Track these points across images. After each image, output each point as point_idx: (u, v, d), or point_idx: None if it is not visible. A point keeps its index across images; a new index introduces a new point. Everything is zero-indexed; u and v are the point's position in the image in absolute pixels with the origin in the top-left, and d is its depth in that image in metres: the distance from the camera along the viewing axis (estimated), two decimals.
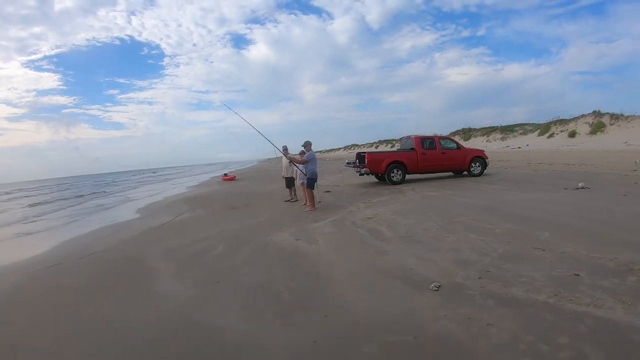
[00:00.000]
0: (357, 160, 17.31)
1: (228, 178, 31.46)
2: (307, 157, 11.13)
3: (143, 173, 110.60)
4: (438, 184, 15.19)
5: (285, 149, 12.90)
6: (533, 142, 42.36)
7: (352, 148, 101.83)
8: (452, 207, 9.40)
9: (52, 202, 27.46)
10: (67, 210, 20.09)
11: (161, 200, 20.19)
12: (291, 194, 13.60)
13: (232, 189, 21.74)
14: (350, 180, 19.85)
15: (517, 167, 20.14)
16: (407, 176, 16.38)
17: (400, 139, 19.40)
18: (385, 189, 14.55)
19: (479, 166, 17.26)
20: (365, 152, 17.00)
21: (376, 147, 77.01)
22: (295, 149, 12.44)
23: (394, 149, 47.88)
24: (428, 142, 16.92)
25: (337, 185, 17.41)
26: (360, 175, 17.13)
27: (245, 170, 52.96)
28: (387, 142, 76.90)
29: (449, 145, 17.34)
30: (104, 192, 34.56)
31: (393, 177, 15.99)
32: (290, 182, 13.40)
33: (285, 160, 13.21)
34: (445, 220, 7.94)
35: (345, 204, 11.62)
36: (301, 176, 11.93)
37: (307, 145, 11.36)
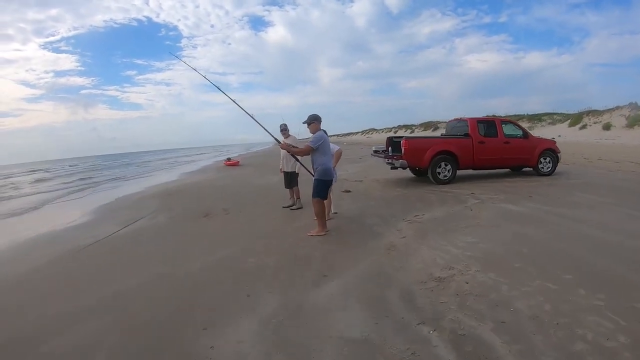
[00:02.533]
0: (390, 148, 12.54)
1: (231, 163, 27.55)
2: (313, 143, 6.41)
3: (154, 154, 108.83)
4: (500, 186, 10.76)
5: (284, 130, 8.53)
6: (564, 132, 38.67)
7: (370, 132, 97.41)
8: (587, 250, 5.00)
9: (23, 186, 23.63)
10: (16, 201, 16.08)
11: (137, 191, 16.04)
12: (292, 196, 9.22)
13: (225, 179, 17.41)
14: (375, 172, 15.27)
15: (576, 163, 15.63)
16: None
17: (449, 122, 14.57)
18: (431, 192, 10.13)
19: (549, 162, 12.67)
20: (400, 137, 12.37)
21: (395, 132, 72.15)
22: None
23: (434, 133, 42.75)
24: (487, 127, 12.35)
25: (360, 181, 12.93)
26: (393, 168, 12.53)
27: (254, 154, 48.36)
28: (406, 127, 71.93)
29: (513, 132, 12.69)
30: (90, 177, 30.79)
31: (440, 173, 11.51)
32: (291, 179, 8.98)
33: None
34: (613, 299, 3.57)
35: (377, 222, 7.21)
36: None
37: (314, 121, 6.64)
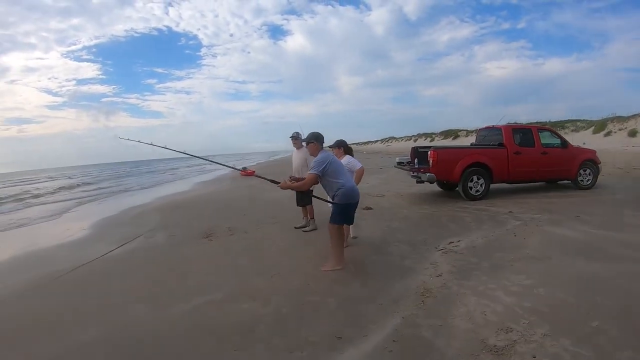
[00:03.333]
0: (416, 160, 11.25)
1: (246, 173, 26.40)
2: (316, 168, 5.12)
3: (170, 162, 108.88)
4: (538, 202, 9.49)
5: (295, 138, 7.47)
6: (588, 140, 36.40)
7: (389, 141, 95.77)
8: None
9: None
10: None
11: (145, 203, 15.17)
12: (305, 215, 8.03)
13: (236, 191, 16.29)
14: (398, 185, 14.06)
15: (611, 174, 14.26)
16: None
17: (480, 130, 13.21)
18: (463, 210, 8.92)
19: (589, 174, 11.37)
20: (427, 147, 11.15)
21: (415, 141, 70.42)
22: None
23: (461, 143, 41.14)
24: (523, 136, 11.07)
25: (382, 196, 11.69)
26: (419, 182, 11.22)
27: (271, 163, 47.25)
28: (426, 135, 70.21)
29: (551, 141, 11.37)
30: (99, 187, 30.16)
31: (471, 188, 10.26)
32: (304, 196, 7.69)
33: (297, 159, 7.76)
34: None
35: (405, 251, 5.98)
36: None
37: (312, 141, 5.47)
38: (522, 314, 3.59)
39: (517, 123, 18.78)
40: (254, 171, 26.48)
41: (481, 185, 10.28)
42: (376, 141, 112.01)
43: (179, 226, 9.31)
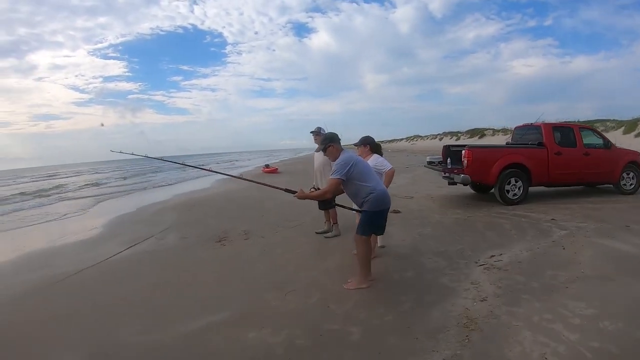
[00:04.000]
0: (448, 159, 10.37)
1: (269, 170, 25.97)
2: (338, 172, 4.32)
3: (197, 158, 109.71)
4: (581, 209, 8.53)
5: (317, 134, 6.73)
6: (619, 140, 34.80)
7: (415, 139, 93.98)
8: None
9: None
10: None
11: (163, 200, 14.72)
12: (328, 220, 7.32)
13: (257, 190, 15.53)
14: (426, 185, 13.26)
15: None
16: None
17: (517, 128, 12.23)
18: (500, 216, 8.09)
19: (633, 178, 10.37)
20: (460, 146, 10.31)
21: (440, 139, 68.76)
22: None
23: (498, 142, 39.20)
24: (564, 135, 10.09)
25: (410, 197, 10.91)
26: (451, 184, 10.44)
27: (296, 160, 46.34)
28: (452, 134, 68.41)
29: (593, 142, 10.36)
30: (123, 178, 30.12)
31: (509, 191, 9.39)
32: (326, 199, 7.05)
33: (319, 157, 6.86)
34: None
35: (440, 266, 5.21)
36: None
37: (330, 144, 4.58)
38: (590, 358, 2.85)
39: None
40: (277, 168, 25.98)
41: (519, 188, 9.38)
42: (401, 139, 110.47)
43: (194, 227, 8.79)
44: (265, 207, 10.73)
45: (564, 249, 5.66)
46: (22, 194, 21.68)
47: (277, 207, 10.57)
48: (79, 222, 11.05)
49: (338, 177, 4.30)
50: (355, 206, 4.68)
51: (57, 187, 26.48)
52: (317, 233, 7.31)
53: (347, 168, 4.30)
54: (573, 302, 3.79)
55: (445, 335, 3.34)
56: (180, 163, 8.28)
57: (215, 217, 9.81)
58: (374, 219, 4.45)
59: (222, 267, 5.79)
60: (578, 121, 42.32)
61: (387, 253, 5.83)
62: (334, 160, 4.52)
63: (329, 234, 7.11)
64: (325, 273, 5.18)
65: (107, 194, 19.44)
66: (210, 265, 5.92)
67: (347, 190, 4.47)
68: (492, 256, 5.42)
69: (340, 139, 4.66)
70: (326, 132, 5.53)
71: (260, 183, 5.57)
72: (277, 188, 5.05)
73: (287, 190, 4.72)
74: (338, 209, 6.66)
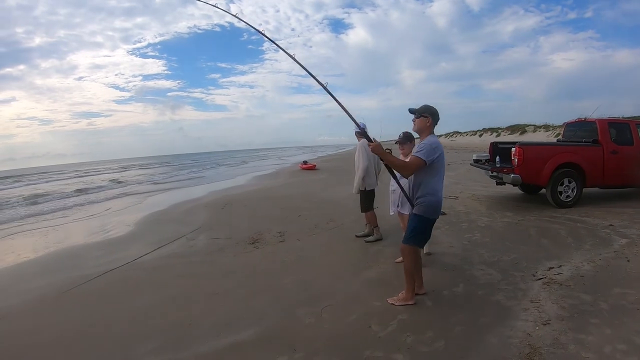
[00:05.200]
0: (498, 158, 9.67)
1: (307, 167, 25.70)
2: (425, 154, 3.73)
3: (235, 155, 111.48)
4: (636, 213, 7.69)
5: (362, 132, 6.28)
6: None
7: (454, 135, 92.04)
8: None
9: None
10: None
11: (196, 197, 14.60)
12: (368, 222, 6.82)
13: (294, 188, 15.43)
14: (471, 184, 12.62)
15: None
16: None
17: (568, 124, 11.38)
18: (554, 220, 7.43)
19: None
20: (510, 143, 9.62)
21: (480, 136, 66.79)
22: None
23: (539, 138, 37.50)
24: (620, 131, 9.21)
25: (455, 198, 10.32)
26: (499, 184, 9.82)
27: (334, 157, 45.87)
28: (492, 130, 66.42)
29: None
30: (167, 179, 30.59)
31: (562, 193, 8.65)
32: (368, 199, 6.62)
33: (361, 154, 6.41)
34: None
35: (493, 279, 4.65)
36: (400, 199, 5.25)
37: (424, 114, 3.94)
38: None
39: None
40: (314, 165, 25.62)
41: (572, 189, 8.62)
42: (440, 136, 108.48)
43: (226, 227, 8.55)
44: (304, 207, 10.39)
45: (628, 261, 4.99)
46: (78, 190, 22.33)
47: (317, 207, 10.23)
48: (111, 220, 11.00)
49: (423, 158, 3.72)
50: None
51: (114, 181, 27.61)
52: (357, 236, 6.89)
53: (436, 155, 3.78)
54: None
55: None
56: None
57: (250, 217, 9.52)
58: (427, 228, 4.00)
59: (252, 275, 5.43)
60: (622, 118, 40.28)
61: (434, 262, 5.34)
62: (419, 133, 4.04)
63: (370, 238, 6.66)
64: (366, 285, 4.74)
65: (150, 192, 19.71)
66: (239, 272, 5.57)
67: (415, 175, 3.91)
68: (551, 268, 4.83)
69: (438, 117, 4.02)
70: (365, 127, 5.11)
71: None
72: (355, 122, 4.43)
73: (365, 135, 4.43)
74: (377, 211, 6.20)
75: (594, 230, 6.61)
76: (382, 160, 3.98)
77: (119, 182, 26.81)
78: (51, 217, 12.54)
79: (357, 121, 4.49)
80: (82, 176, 41.03)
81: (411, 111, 4.03)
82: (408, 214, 4.59)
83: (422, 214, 3.88)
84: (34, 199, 18.72)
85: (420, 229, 3.95)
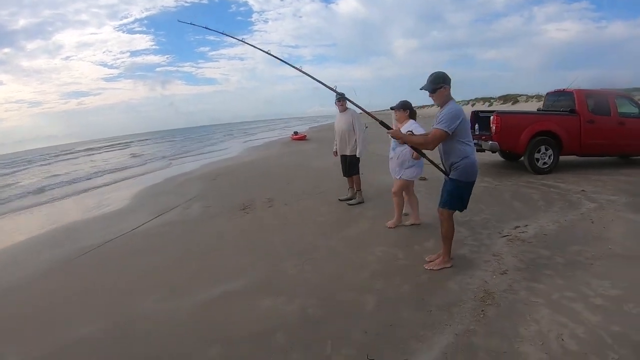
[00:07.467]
0: (477, 126, 9.95)
1: (298, 137, 26.07)
2: (446, 123, 3.71)
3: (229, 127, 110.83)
4: (613, 180, 7.96)
5: (339, 100, 6.47)
6: None
7: None
8: None
9: None
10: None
11: (189, 170, 15.05)
12: (352, 186, 7.23)
13: (284, 158, 15.91)
14: None
15: None
16: None
17: (548, 94, 11.65)
18: (529, 185, 7.82)
19: None
20: (489, 112, 9.91)
21: (472, 105, 66.68)
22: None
23: (525, 107, 37.78)
24: (598, 102, 9.47)
25: (438, 164, 10.58)
26: (479, 151, 9.96)
27: (324, 127, 45.86)
28: (484, 99, 66.28)
29: (629, 110, 9.63)
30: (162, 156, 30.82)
31: (538, 160, 9.04)
32: (350, 165, 6.93)
33: (342, 123, 6.79)
34: None
35: (463, 236, 5.05)
36: (416, 163, 5.37)
37: (441, 85, 3.82)
38: (611, 345, 2.68)
39: None
40: (305, 135, 25.93)
41: (549, 157, 8.99)
42: (431, 105, 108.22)
43: (218, 196, 9.00)
44: (293, 175, 10.76)
45: (592, 222, 5.38)
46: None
47: (305, 175, 10.62)
48: (108, 196, 11.34)
49: (445, 129, 3.71)
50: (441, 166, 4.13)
51: (96, 163, 27.08)
52: (340, 200, 7.29)
53: (458, 122, 3.73)
54: (597, 281, 3.61)
55: (460, 309, 3.28)
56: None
57: (241, 186, 9.93)
58: (464, 192, 4.02)
59: (242, 236, 5.88)
60: (616, 89, 40.42)
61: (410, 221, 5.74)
62: (441, 105, 3.91)
63: (352, 201, 7.07)
64: (344, 242, 5.17)
65: (138, 167, 19.82)
66: (231, 234, 6.03)
67: (444, 145, 3.89)
68: (517, 227, 5.26)
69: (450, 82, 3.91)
70: (353, 96, 5.09)
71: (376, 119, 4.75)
72: (370, 114, 4.61)
73: (381, 123, 4.28)
74: (362, 175, 6.55)
75: (566, 195, 6.97)
76: (404, 142, 4.22)
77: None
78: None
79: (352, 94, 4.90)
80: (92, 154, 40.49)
81: (425, 88, 3.94)
82: (401, 178, 5.27)
83: (458, 177, 3.90)
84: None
85: (456, 193, 3.99)
